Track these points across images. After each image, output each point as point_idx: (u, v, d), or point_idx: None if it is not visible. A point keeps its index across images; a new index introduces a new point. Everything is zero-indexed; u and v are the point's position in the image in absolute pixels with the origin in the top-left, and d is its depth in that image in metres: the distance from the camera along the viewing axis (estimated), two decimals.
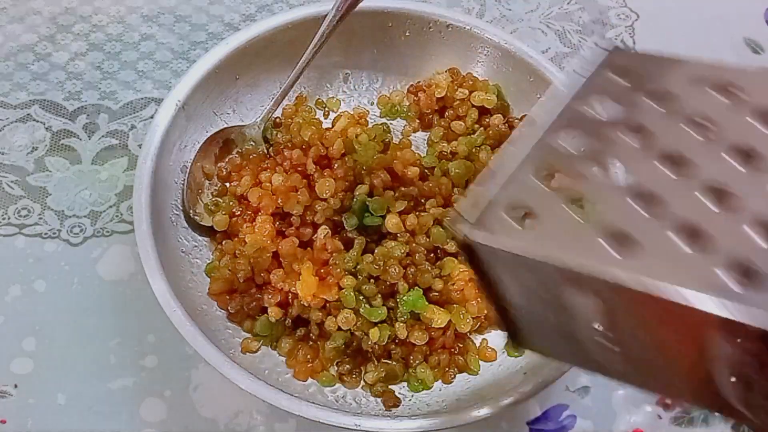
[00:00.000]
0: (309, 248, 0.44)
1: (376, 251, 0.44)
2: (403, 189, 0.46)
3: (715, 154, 0.22)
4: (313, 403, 0.39)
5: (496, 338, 0.46)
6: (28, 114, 0.53)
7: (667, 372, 0.24)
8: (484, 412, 0.39)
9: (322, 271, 0.43)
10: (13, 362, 0.45)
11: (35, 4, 0.57)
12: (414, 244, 0.44)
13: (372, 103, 0.54)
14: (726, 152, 0.22)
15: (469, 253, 0.26)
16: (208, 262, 0.46)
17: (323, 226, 0.44)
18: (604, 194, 0.23)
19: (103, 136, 0.52)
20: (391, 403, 0.42)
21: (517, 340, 0.30)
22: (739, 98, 0.23)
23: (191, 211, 0.46)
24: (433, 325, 0.43)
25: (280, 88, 0.49)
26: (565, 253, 0.23)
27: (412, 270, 0.43)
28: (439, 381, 0.44)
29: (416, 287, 0.43)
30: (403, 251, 0.43)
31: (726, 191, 0.21)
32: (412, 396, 0.43)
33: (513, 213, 0.25)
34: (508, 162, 0.26)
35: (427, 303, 0.43)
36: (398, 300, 0.43)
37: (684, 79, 0.25)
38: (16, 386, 0.44)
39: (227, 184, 0.48)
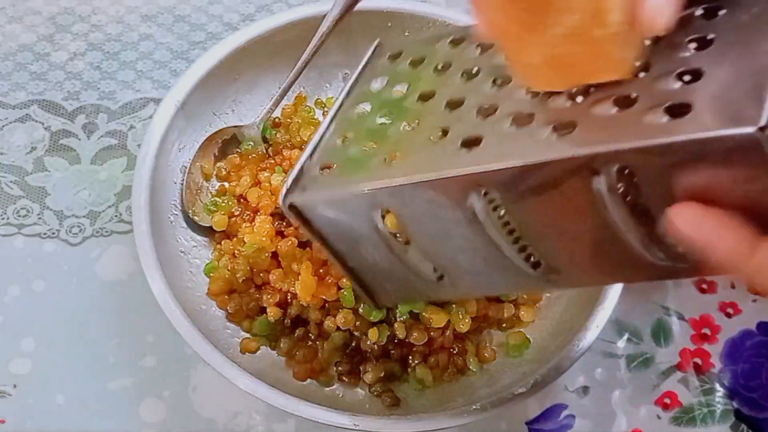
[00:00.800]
0: (308, 248, 0.44)
1: None
2: None
3: (454, 79, 0.31)
4: (312, 402, 0.39)
5: (495, 338, 0.46)
6: (27, 114, 0.53)
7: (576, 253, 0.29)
8: (483, 412, 0.39)
9: (321, 271, 0.43)
10: (12, 362, 0.45)
11: (34, 3, 0.57)
12: None
13: None
14: (460, 75, 0.31)
15: (299, 217, 0.33)
16: (207, 262, 0.46)
17: None
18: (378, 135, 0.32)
19: (102, 136, 0.52)
20: (390, 402, 0.42)
21: (375, 302, 0.37)
22: (467, 43, 0.33)
23: (190, 211, 0.46)
24: (431, 326, 0.42)
25: (279, 88, 0.49)
26: (350, 181, 0.31)
27: None
28: (438, 381, 0.44)
29: None
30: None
31: (458, 99, 0.30)
32: (411, 396, 0.43)
33: (319, 171, 0.32)
34: (316, 136, 0.34)
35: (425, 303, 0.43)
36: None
37: (430, 43, 0.35)
38: (15, 386, 0.44)
39: (226, 184, 0.48)
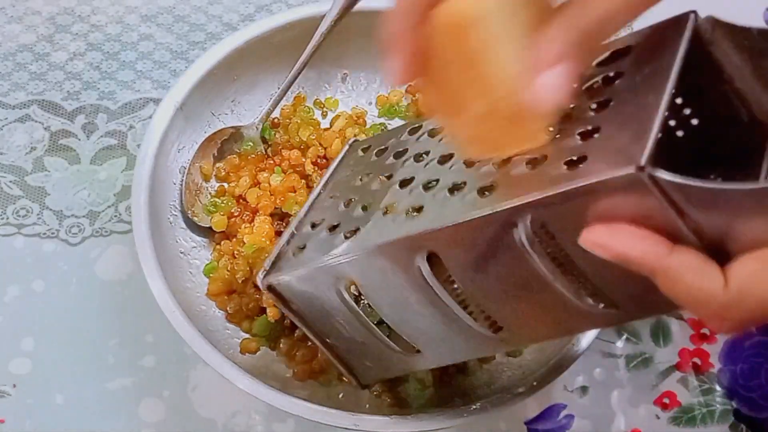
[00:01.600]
0: None
1: None
2: None
3: (408, 162, 0.35)
4: (312, 403, 0.39)
5: None
6: (26, 114, 0.53)
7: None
8: (483, 412, 0.39)
9: None
10: (11, 362, 0.45)
11: (34, 3, 0.57)
12: None
13: (370, 103, 0.54)
14: (413, 158, 0.35)
15: (278, 296, 0.36)
16: (207, 262, 0.46)
17: None
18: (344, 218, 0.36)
19: (101, 136, 0.52)
20: (391, 403, 0.42)
21: (357, 379, 0.38)
22: (423, 130, 0.37)
23: (189, 212, 0.46)
24: None
25: (278, 88, 0.49)
26: (315, 258, 0.34)
27: None
28: (438, 380, 0.44)
29: None
30: None
31: (409, 178, 0.34)
32: (411, 396, 0.43)
33: (292, 255, 0.36)
34: (292, 224, 0.38)
35: None
36: None
37: (395, 138, 0.39)
38: (14, 386, 0.44)
39: (225, 185, 0.48)
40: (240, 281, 0.44)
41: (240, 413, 0.44)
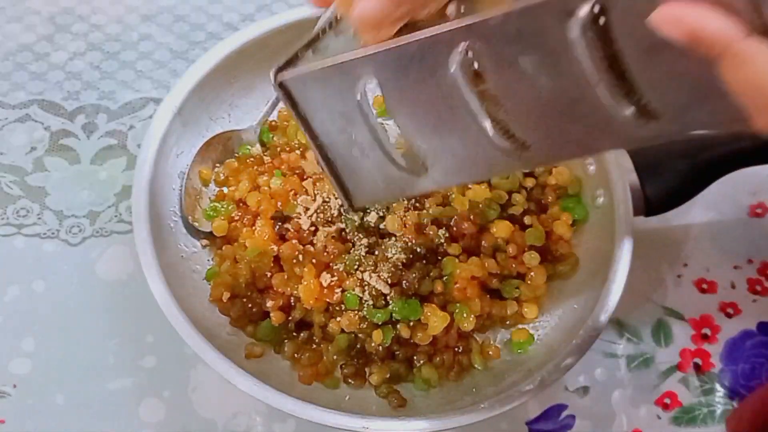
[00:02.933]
0: (309, 246, 0.44)
1: (377, 252, 0.44)
2: None
3: None
4: (320, 405, 0.39)
5: (499, 336, 0.46)
6: (26, 114, 0.53)
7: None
8: (491, 410, 0.39)
9: (323, 273, 0.43)
10: (11, 362, 0.45)
11: (33, 3, 0.57)
12: (413, 245, 0.44)
13: None
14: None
15: (287, 97, 0.33)
16: (209, 267, 0.46)
17: (323, 229, 0.44)
18: None
19: (101, 136, 0.52)
20: (397, 404, 0.42)
21: (350, 201, 0.36)
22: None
23: (190, 217, 0.46)
24: (428, 332, 0.42)
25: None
26: (337, 56, 0.31)
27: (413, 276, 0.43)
28: (444, 380, 0.44)
29: (410, 299, 0.43)
30: (398, 255, 0.43)
31: None
32: (417, 396, 0.43)
33: (314, 51, 0.33)
34: (320, 23, 0.35)
35: (420, 309, 0.43)
36: (392, 309, 0.43)
37: None
38: (14, 386, 0.44)
39: (225, 189, 0.48)
40: (242, 286, 0.44)
41: (240, 413, 0.44)
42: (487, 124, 0.30)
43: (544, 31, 0.26)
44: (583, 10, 0.25)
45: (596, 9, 0.25)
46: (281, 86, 0.33)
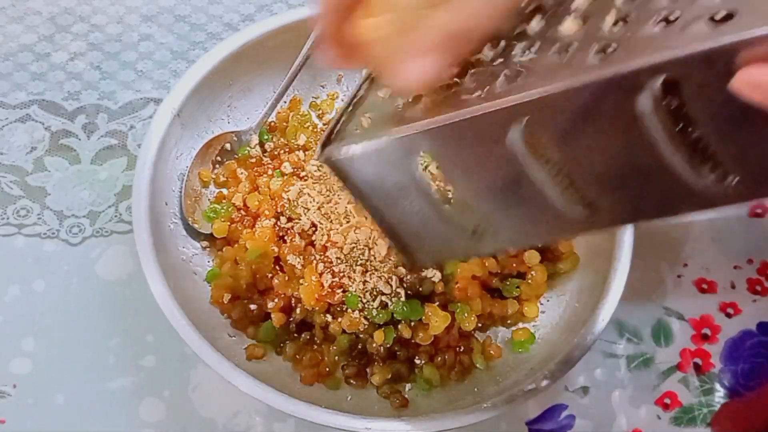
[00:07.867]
0: (311, 247, 0.44)
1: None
2: None
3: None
4: (322, 406, 0.39)
5: (500, 335, 0.46)
6: (27, 114, 0.53)
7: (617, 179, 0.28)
8: (493, 409, 0.39)
9: (324, 274, 0.43)
10: (12, 362, 0.45)
11: (34, 4, 0.57)
12: None
13: None
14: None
15: (335, 169, 0.32)
16: (209, 269, 0.46)
17: (323, 228, 0.44)
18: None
19: (102, 136, 0.52)
20: (399, 404, 0.42)
21: (412, 261, 0.35)
22: None
23: (190, 219, 0.46)
24: (429, 332, 0.42)
25: (274, 92, 0.49)
26: (386, 130, 0.30)
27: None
28: (445, 380, 0.44)
29: (409, 301, 0.43)
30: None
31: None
32: (419, 396, 0.43)
33: (354, 128, 0.32)
34: (358, 86, 0.34)
35: (421, 308, 0.43)
36: (392, 310, 0.43)
37: None
38: (14, 386, 0.44)
39: (224, 191, 0.48)
40: (243, 287, 0.44)
41: (240, 413, 0.44)
42: (554, 192, 0.29)
43: (610, 105, 0.25)
44: (654, 86, 0.24)
45: (667, 82, 0.24)
46: (328, 162, 0.32)
